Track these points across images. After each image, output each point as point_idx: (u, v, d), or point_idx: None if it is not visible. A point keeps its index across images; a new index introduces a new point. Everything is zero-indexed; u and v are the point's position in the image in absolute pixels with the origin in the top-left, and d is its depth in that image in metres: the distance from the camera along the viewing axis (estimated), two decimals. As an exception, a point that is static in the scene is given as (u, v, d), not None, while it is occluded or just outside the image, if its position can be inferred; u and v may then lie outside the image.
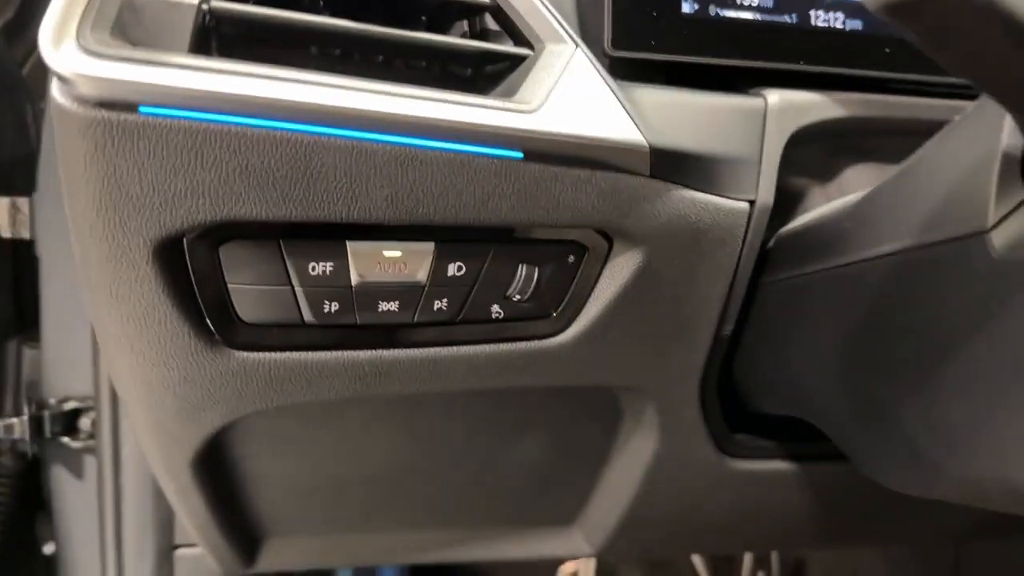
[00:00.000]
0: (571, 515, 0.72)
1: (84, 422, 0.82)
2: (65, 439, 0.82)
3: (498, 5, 0.46)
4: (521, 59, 0.46)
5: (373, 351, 0.46)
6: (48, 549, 0.93)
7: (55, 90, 0.36)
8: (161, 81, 0.35)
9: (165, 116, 0.36)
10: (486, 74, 0.48)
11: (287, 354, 0.45)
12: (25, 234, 0.80)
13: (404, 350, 0.47)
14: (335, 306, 0.44)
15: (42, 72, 0.62)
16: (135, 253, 0.39)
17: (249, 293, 0.43)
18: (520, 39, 0.46)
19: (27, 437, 0.80)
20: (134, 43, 0.37)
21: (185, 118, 0.36)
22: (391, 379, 0.48)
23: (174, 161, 0.37)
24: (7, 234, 0.81)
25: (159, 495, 0.77)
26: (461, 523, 0.70)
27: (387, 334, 0.46)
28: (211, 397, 0.46)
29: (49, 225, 0.80)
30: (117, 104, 0.35)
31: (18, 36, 0.85)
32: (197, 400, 0.46)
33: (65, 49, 0.35)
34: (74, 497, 0.86)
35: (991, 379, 0.37)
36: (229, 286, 0.43)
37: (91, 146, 0.36)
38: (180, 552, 0.81)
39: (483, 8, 0.47)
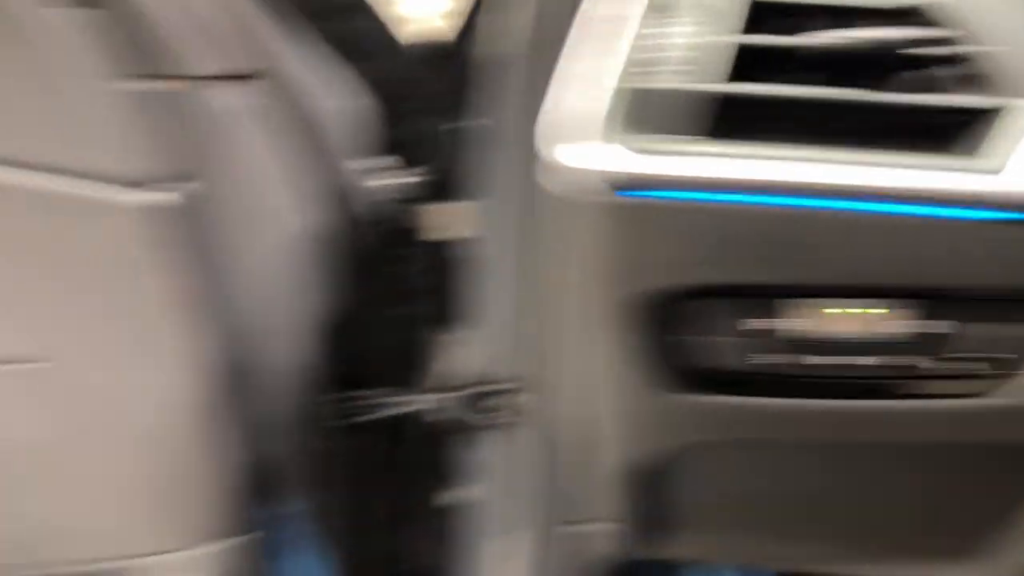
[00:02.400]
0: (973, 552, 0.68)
1: (493, 403, 0.92)
2: (474, 416, 0.93)
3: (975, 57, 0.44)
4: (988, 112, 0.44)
5: (843, 401, 0.48)
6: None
7: (551, 179, 0.42)
8: (668, 171, 0.40)
9: (671, 198, 0.41)
10: (938, 124, 0.47)
11: (738, 399, 0.48)
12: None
13: (870, 401, 0.48)
14: (798, 358, 0.46)
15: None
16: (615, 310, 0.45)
17: (705, 344, 0.47)
18: (992, 91, 0.44)
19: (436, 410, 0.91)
20: (640, 132, 0.42)
21: (681, 199, 0.41)
22: (851, 428, 0.49)
23: (670, 235, 0.42)
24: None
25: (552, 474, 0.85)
26: (858, 541, 0.69)
27: (852, 386, 0.47)
28: (664, 428, 0.51)
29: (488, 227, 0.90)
30: (625, 186, 0.41)
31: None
32: (647, 429, 0.51)
33: (580, 148, 0.41)
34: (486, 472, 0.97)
35: None
36: (690, 337, 0.47)
37: (589, 226, 0.42)
38: (567, 529, 0.88)
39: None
